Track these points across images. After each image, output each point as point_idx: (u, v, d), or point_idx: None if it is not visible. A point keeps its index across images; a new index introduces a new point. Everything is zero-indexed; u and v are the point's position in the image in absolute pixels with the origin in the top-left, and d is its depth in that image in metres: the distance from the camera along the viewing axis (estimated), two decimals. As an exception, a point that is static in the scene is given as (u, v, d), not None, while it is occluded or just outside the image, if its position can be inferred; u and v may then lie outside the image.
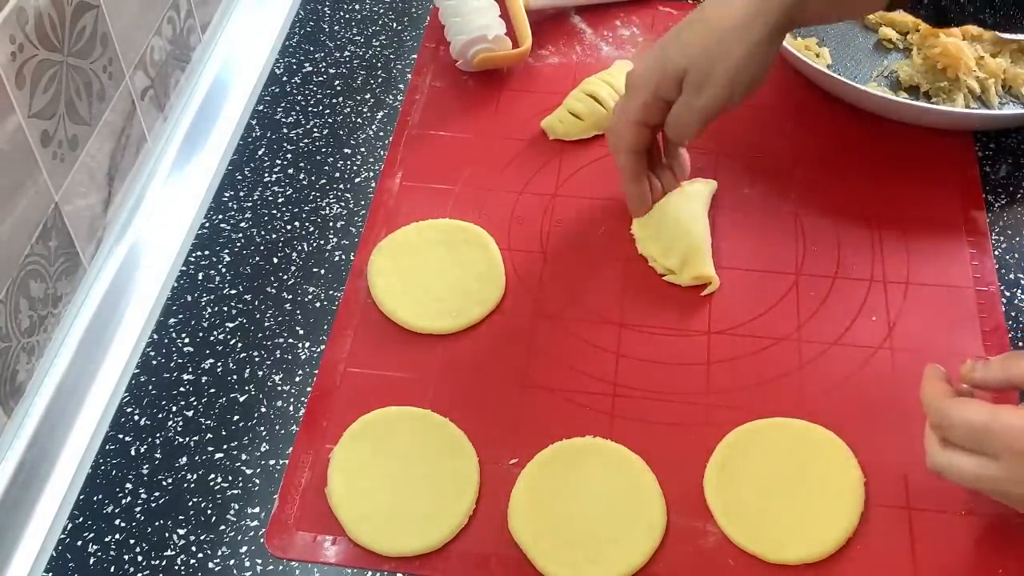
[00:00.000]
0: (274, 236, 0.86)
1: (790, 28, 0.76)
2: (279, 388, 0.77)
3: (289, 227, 0.87)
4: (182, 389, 0.77)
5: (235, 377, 0.77)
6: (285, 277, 0.84)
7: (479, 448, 0.72)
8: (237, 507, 0.71)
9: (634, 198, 0.83)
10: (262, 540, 0.69)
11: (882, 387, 0.75)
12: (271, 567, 0.68)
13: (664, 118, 0.79)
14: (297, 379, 0.77)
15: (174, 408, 0.76)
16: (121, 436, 0.75)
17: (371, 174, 0.91)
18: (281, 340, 0.79)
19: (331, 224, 0.87)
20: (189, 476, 0.72)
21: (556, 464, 0.71)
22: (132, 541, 0.69)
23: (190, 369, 0.78)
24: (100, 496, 0.71)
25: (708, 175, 0.88)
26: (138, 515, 0.70)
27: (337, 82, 0.99)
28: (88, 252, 0.83)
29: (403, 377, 0.77)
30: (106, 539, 0.69)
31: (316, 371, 0.77)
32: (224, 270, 0.84)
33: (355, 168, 0.91)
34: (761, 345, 0.78)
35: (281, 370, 0.78)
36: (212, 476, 0.72)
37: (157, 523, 0.70)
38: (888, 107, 0.89)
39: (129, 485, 0.72)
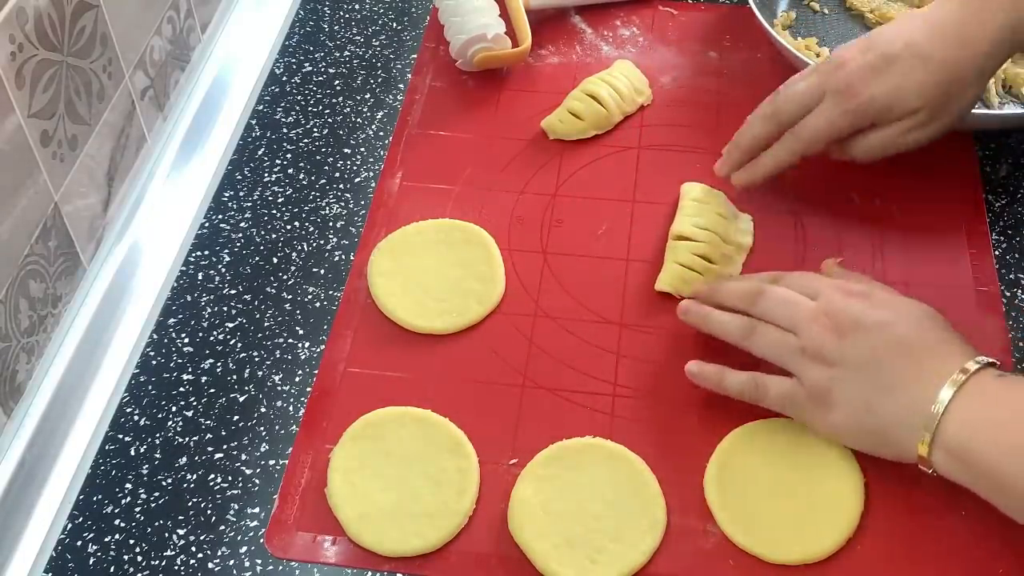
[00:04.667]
0: (274, 236, 0.86)
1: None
2: (279, 388, 0.77)
3: (289, 227, 0.87)
4: (182, 389, 0.77)
5: (235, 377, 0.77)
6: (285, 277, 0.84)
7: (479, 448, 0.72)
8: (237, 507, 0.71)
9: (770, 159, 0.84)
10: (262, 540, 0.69)
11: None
12: (271, 567, 0.68)
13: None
14: (297, 379, 0.77)
15: (174, 408, 0.76)
16: (121, 436, 0.75)
17: (371, 174, 0.91)
18: (281, 340, 0.79)
19: (331, 224, 0.87)
20: (189, 476, 0.72)
21: (556, 464, 0.71)
22: (132, 541, 0.69)
23: (190, 369, 0.78)
24: (100, 496, 0.71)
25: (708, 175, 0.88)
26: (138, 515, 0.70)
27: (337, 82, 0.99)
28: (88, 252, 0.83)
29: (403, 377, 0.77)
30: (106, 539, 0.69)
31: (316, 371, 0.77)
32: (224, 270, 0.84)
33: (355, 168, 0.91)
34: (761, 345, 0.78)
35: (281, 370, 0.78)
36: (212, 476, 0.72)
37: (157, 523, 0.70)
38: (888, 107, 0.89)
39: (129, 485, 0.72)
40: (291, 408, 0.76)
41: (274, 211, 0.88)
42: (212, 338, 0.80)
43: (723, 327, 0.73)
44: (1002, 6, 0.76)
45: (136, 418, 0.75)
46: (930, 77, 0.77)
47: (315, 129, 0.94)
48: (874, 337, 0.67)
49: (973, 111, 0.91)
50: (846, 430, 0.68)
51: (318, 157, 0.92)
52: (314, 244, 0.86)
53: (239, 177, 0.91)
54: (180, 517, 0.70)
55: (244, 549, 0.69)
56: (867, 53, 0.78)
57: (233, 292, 0.83)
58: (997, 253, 0.83)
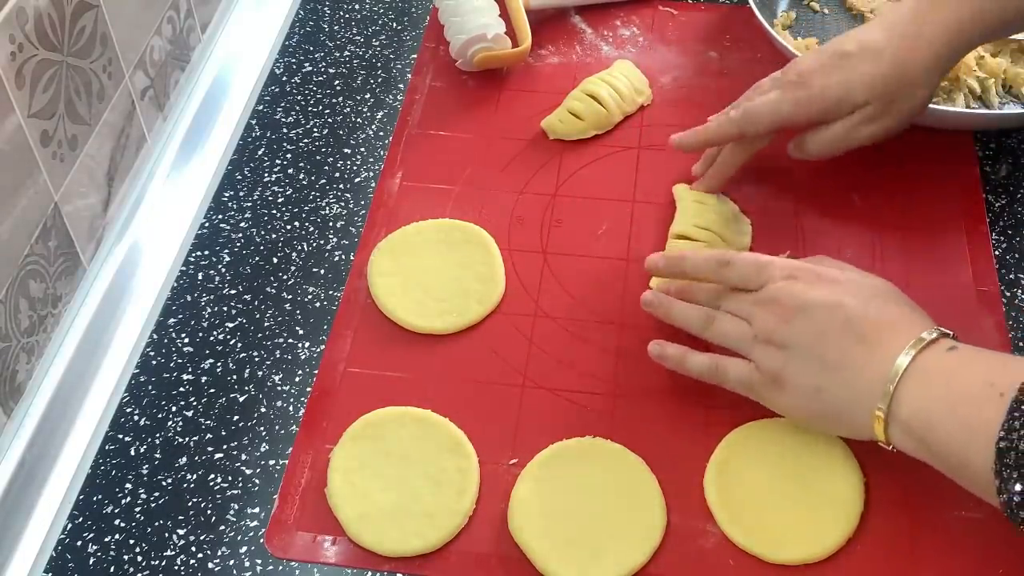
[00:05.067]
0: (274, 236, 0.86)
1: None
2: (279, 388, 0.77)
3: (289, 227, 0.87)
4: (182, 389, 0.77)
5: (235, 377, 0.77)
6: (285, 277, 0.84)
7: (479, 448, 0.72)
8: (237, 507, 0.71)
9: (728, 156, 0.85)
10: (262, 540, 0.69)
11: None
12: (271, 567, 0.68)
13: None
14: (297, 379, 0.77)
15: (174, 408, 0.76)
16: (121, 436, 0.75)
17: (371, 174, 0.91)
18: (281, 340, 0.79)
19: (331, 224, 0.87)
20: (189, 476, 0.72)
21: (556, 464, 0.71)
22: (132, 541, 0.69)
23: (190, 369, 0.78)
24: (100, 496, 0.71)
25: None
26: (138, 515, 0.70)
27: (337, 82, 0.99)
28: (88, 252, 0.83)
29: (403, 377, 0.77)
30: (106, 539, 0.69)
31: (316, 371, 0.77)
32: (224, 270, 0.84)
33: (355, 168, 0.91)
34: (761, 345, 0.78)
35: (281, 370, 0.78)
36: (212, 476, 0.72)
37: (157, 523, 0.70)
38: (888, 107, 0.89)
39: (129, 485, 0.72)
40: (291, 408, 0.76)
41: (274, 211, 0.88)
42: (212, 338, 0.80)
43: (685, 319, 0.75)
44: (952, 4, 0.77)
45: (136, 418, 0.75)
46: (878, 70, 0.78)
47: (315, 129, 0.94)
48: (819, 318, 0.67)
49: (973, 111, 0.91)
50: (799, 411, 0.69)
51: (318, 157, 0.92)
52: (314, 244, 0.86)
53: (239, 177, 0.91)
54: (180, 517, 0.70)
55: (244, 549, 0.69)
56: (822, 52, 0.80)
57: (233, 292, 0.83)
58: (997, 253, 0.83)
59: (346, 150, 0.93)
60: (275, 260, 0.85)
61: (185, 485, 0.72)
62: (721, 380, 0.72)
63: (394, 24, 1.04)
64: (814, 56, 0.81)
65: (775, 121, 0.81)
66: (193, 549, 0.69)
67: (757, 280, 0.71)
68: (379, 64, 1.00)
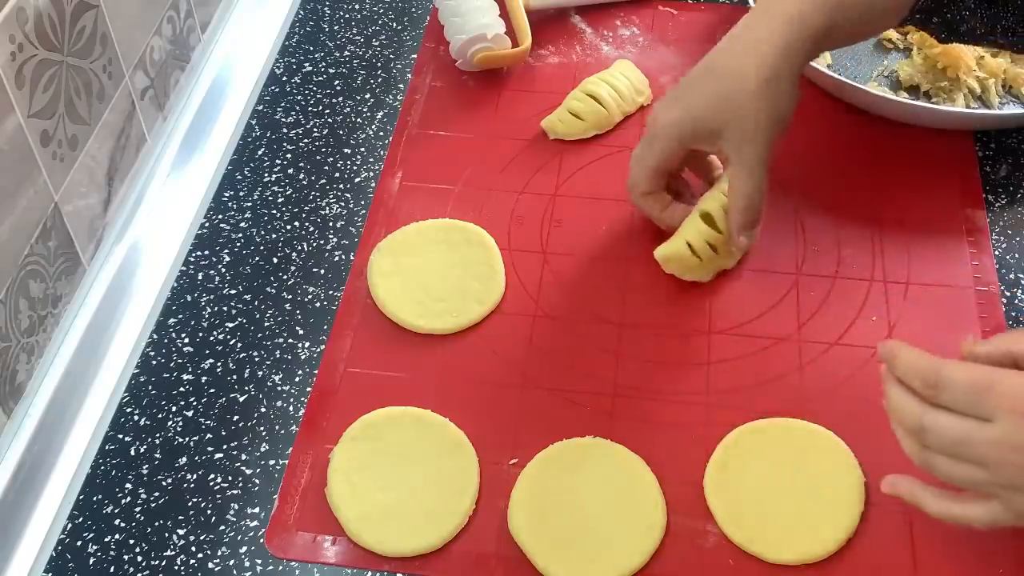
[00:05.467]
0: (274, 236, 0.86)
1: (806, 64, 0.77)
2: (279, 388, 0.77)
3: (289, 227, 0.87)
4: (182, 389, 0.77)
5: (235, 377, 0.77)
6: (285, 277, 0.84)
7: (479, 448, 0.72)
8: (237, 507, 0.71)
9: (668, 220, 0.81)
10: (262, 540, 0.69)
11: (882, 387, 0.75)
12: (271, 567, 0.68)
13: (681, 166, 0.80)
14: (297, 379, 0.77)
15: (174, 408, 0.76)
16: (121, 436, 0.75)
17: (371, 174, 0.91)
18: (281, 340, 0.79)
19: (331, 224, 0.87)
20: (189, 476, 0.72)
21: (556, 464, 0.71)
22: (132, 541, 0.69)
23: (190, 369, 0.78)
24: (100, 496, 0.71)
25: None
26: (138, 515, 0.70)
27: (337, 82, 0.99)
28: (88, 252, 0.83)
29: (403, 377, 0.77)
30: (106, 539, 0.69)
31: (316, 371, 0.77)
32: (224, 270, 0.84)
33: (355, 168, 0.91)
34: (761, 345, 0.78)
35: (281, 370, 0.78)
36: (212, 476, 0.72)
37: (157, 523, 0.70)
38: (888, 107, 0.89)
39: (129, 485, 0.72)
40: (291, 408, 0.76)
41: (274, 211, 0.88)
42: (212, 338, 0.80)
43: (898, 421, 0.64)
44: (783, 9, 0.74)
45: (136, 418, 0.75)
46: (713, 87, 0.75)
47: (315, 129, 0.94)
48: None
49: (973, 111, 0.91)
50: None
51: (318, 157, 0.92)
52: (314, 244, 0.86)
53: (239, 177, 0.91)
54: (180, 517, 0.70)
55: (244, 549, 0.69)
56: (674, 87, 0.78)
57: (233, 292, 0.83)
58: (997, 253, 0.83)
59: (346, 150, 0.93)
60: (275, 260, 0.85)
61: (185, 485, 0.72)
62: (964, 523, 0.62)
63: (394, 24, 1.04)
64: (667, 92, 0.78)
65: (649, 175, 0.79)
66: (193, 549, 0.69)
67: (979, 409, 0.58)
68: (379, 64, 1.00)
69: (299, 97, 0.97)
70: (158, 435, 0.74)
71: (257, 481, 0.72)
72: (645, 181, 0.79)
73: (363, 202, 0.88)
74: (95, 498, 0.71)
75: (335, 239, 0.86)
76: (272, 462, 0.73)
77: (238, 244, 0.86)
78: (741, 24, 0.76)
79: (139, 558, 0.68)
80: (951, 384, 0.59)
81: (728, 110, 0.74)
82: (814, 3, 0.73)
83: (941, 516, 0.62)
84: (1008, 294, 0.80)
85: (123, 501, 0.71)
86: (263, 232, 0.87)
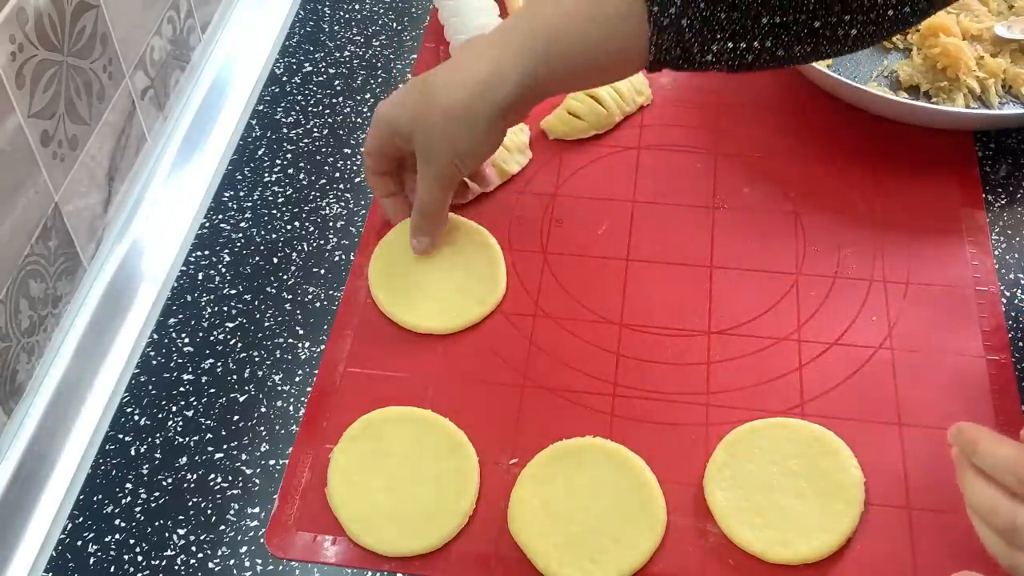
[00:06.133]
0: (274, 236, 0.86)
1: (520, 111, 0.74)
2: (279, 388, 0.77)
3: (289, 227, 0.87)
4: (182, 389, 0.77)
5: (235, 377, 0.77)
6: (285, 277, 0.84)
7: (479, 448, 0.72)
8: (237, 507, 0.71)
9: (387, 208, 0.84)
10: (262, 540, 0.69)
11: (882, 387, 0.75)
12: (271, 567, 0.68)
13: (402, 155, 0.80)
14: (297, 379, 0.77)
15: (174, 408, 0.76)
16: (121, 436, 0.75)
17: (371, 174, 0.91)
18: (281, 340, 0.79)
19: (331, 224, 0.87)
20: (189, 476, 0.72)
21: (556, 464, 0.71)
22: (132, 541, 0.69)
23: (190, 369, 0.78)
24: (100, 496, 0.71)
25: (708, 175, 0.88)
26: (138, 515, 0.70)
27: (337, 82, 0.99)
28: (88, 252, 0.83)
29: (403, 377, 0.77)
30: (106, 539, 0.69)
31: (316, 371, 0.77)
32: (224, 270, 0.84)
33: (355, 168, 0.91)
34: (761, 345, 0.78)
35: (281, 370, 0.78)
36: (212, 476, 0.72)
37: (157, 523, 0.70)
38: (888, 107, 0.89)
39: (129, 485, 0.72)
40: (291, 408, 0.76)
41: (274, 211, 0.88)
42: (212, 338, 0.80)
43: (986, 543, 0.58)
44: (500, 48, 0.72)
45: (136, 418, 0.75)
46: (418, 97, 0.74)
47: (315, 129, 0.94)
48: None
49: (973, 111, 0.91)
50: None
51: (318, 157, 0.92)
52: (314, 244, 0.86)
53: (239, 177, 0.91)
54: (180, 517, 0.70)
55: (244, 549, 0.69)
56: (416, 79, 0.77)
57: (233, 292, 0.83)
58: (997, 253, 0.83)
59: (346, 150, 0.93)
60: (275, 260, 0.85)
61: (185, 485, 0.72)
62: None
63: (394, 24, 1.04)
64: None
65: (369, 154, 0.81)
66: (193, 549, 0.69)
67: None
68: (379, 64, 1.00)
69: (299, 97, 0.97)
70: (158, 435, 0.74)
71: (257, 481, 0.72)
72: (367, 158, 0.81)
73: (363, 202, 0.88)
74: (95, 498, 0.71)
75: (335, 239, 0.86)
76: (272, 462, 0.73)
77: (238, 244, 0.86)
78: (470, 44, 0.75)
79: (139, 558, 0.68)
80: None
81: (419, 125, 0.75)
82: (522, 52, 0.71)
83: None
84: (1008, 294, 0.80)
85: (123, 501, 0.71)
86: (263, 232, 0.87)
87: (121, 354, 0.80)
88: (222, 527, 0.70)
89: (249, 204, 0.89)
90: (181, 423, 0.75)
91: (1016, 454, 0.55)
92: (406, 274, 0.82)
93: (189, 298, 0.82)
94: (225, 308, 0.82)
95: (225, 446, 0.74)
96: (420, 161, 0.77)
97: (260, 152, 0.93)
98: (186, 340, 0.80)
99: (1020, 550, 0.55)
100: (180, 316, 0.81)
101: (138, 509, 0.71)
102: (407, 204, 0.83)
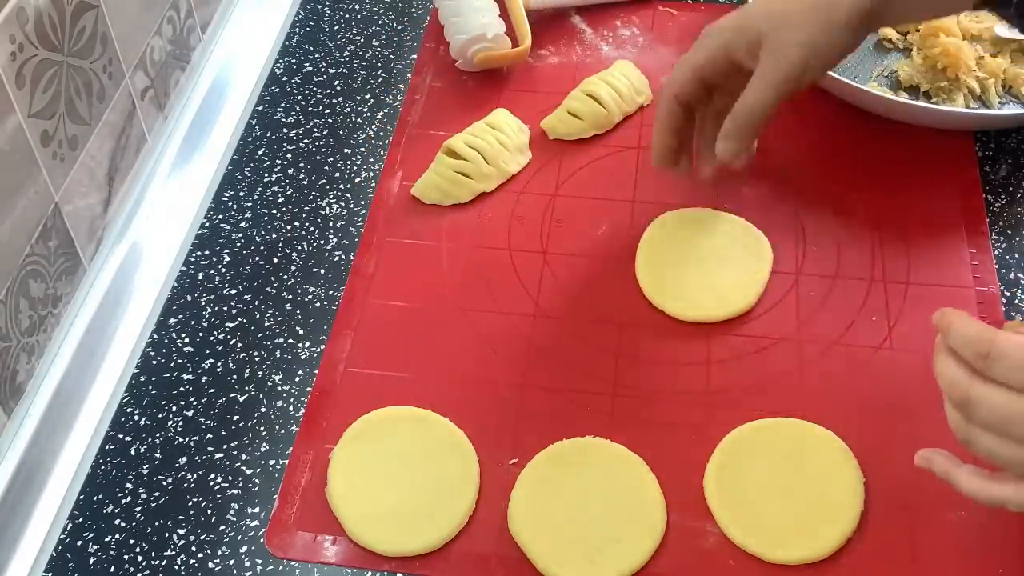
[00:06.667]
0: (274, 236, 0.86)
1: (873, 23, 0.74)
2: (279, 388, 0.77)
3: (289, 227, 0.87)
4: (182, 389, 0.77)
5: (235, 377, 0.77)
6: (285, 277, 0.84)
7: (479, 448, 0.72)
8: (237, 507, 0.71)
9: (660, 147, 0.81)
10: (262, 540, 0.69)
11: (882, 387, 0.75)
12: (271, 567, 0.68)
13: (721, 81, 0.77)
14: (297, 379, 0.77)
15: (174, 408, 0.76)
16: (121, 436, 0.75)
17: (371, 174, 0.91)
18: (281, 340, 0.79)
19: (331, 224, 0.87)
20: (189, 476, 0.72)
21: (556, 464, 0.71)
22: (132, 541, 0.69)
23: (190, 369, 0.78)
24: (100, 496, 0.72)
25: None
26: (138, 515, 0.70)
27: (337, 82, 0.99)
28: (88, 252, 0.83)
29: (403, 377, 0.77)
30: (106, 539, 0.69)
31: (316, 371, 0.77)
32: (224, 270, 0.84)
33: (355, 168, 0.91)
34: (761, 345, 0.78)
35: (281, 370, 0.78)
36: (212, 476, 0.72)
37: (157, 523, 0.70)
38: (888, 107, 0.89)
39: (129, 485, 0.72)
40: (291, 408, 0.76)
41: (274, 211, 0.88)
42: (212, 338, 0.80)
43: (949, 419, 0.60)
44: None
45: (136, 418, 0.75)
46: (777, 4, 0.73)
47: (315, 129, 0.94)
48: None
49: (973, 111, 0.91)
50: None
51: (318, 157, 0.92)
52: (314, 244, 0.86)
53: (239, 177, 0.91)
54: (180, 517, 0.70)
55: (244, 549, 0.69)
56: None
57: (233, 292, 0.83)
58: (997, 253, 0.83)
59: (346, 150, 0.93)
60: (275, 260, 0.85)
61: (185, 485, 0.72)
62: (997, 504, 0.59)
63: (394, 24, 1.04)
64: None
65: (688, 76, 0.77)
66: (193, 549, 0.69)
67: None
68: (379, 64, 1.00)
69: (299, 97, 0.97)
70: (158, 435, 0.74)
71: (257, 481, 0.72)
72: (681, 82, 0.78)
73: (363, 202, 0.88)
74: (95, 498, 0.71)
75: (335, 239, 0.86)
76: (272, 462, 0.73)
77: (238, 244, 0.86)
78: None
79: (139, 558, 0.68)
80: (1004, 357, 0.55)
81: (775, 18, 0.73)
82: None
83: (973, 495, 0.59)
84: (1008, 294, 0.80)
85: (123, 501, 0.71)
86: (263, 232, 0.87)
87: (121, 354, 0.80)
88: (222, 527, 0.70)
89: (249, 204, 0.89)
90: (181, 423, 0.75)
91: (978, 331, 0.56)
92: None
93: (189, 298, 0.82)
94: (225, 308, 0.82)
95: (225, 446, 0.74)
96: (765, 57, 0.73)
97: (260, 152, 0.93)
98: (186, 340, 0.80)
99: (973, 424, 0.57)
100: (180, 316, 0.81)
101: (138, 509, 0.71)
102: (687, 162, 0.82)
